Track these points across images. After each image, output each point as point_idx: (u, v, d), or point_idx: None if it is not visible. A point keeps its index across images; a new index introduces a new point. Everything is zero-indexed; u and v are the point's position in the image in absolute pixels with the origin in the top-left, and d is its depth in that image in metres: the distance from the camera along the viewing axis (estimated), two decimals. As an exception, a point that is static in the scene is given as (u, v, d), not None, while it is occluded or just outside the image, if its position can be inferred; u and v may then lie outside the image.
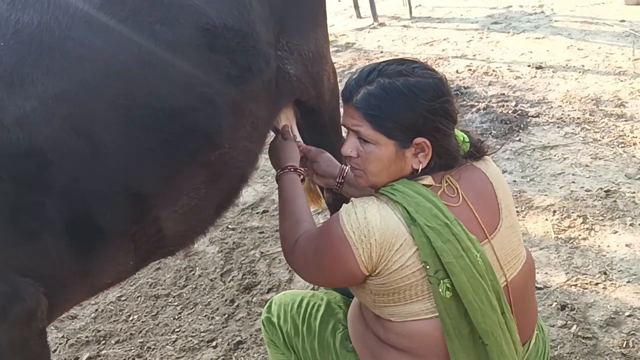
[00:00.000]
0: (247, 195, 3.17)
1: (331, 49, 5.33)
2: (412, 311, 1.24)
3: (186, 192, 1.39)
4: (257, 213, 3.06)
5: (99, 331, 2.39)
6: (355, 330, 1.45)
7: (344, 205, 1.28)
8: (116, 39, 1.25)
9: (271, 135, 1.77)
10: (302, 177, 1.59)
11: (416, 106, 1.21)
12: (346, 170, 1.67)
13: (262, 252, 2.75)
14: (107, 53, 1.24)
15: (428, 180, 1.25)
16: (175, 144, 1.32)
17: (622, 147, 3.21)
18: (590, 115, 3.58)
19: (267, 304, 1.74)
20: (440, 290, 1.20)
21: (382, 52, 5.16)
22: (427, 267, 1.19)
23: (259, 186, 3.26)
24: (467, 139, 1.28)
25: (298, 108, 1.82)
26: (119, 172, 1.26)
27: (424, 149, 1.23)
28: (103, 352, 2.29)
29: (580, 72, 4.16)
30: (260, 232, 2.89)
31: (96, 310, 2.50)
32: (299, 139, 1.82)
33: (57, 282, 1.25)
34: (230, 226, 2.95)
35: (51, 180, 1.18)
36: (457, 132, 1.27)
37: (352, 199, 1.28)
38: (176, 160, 1.34)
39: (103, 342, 2.34)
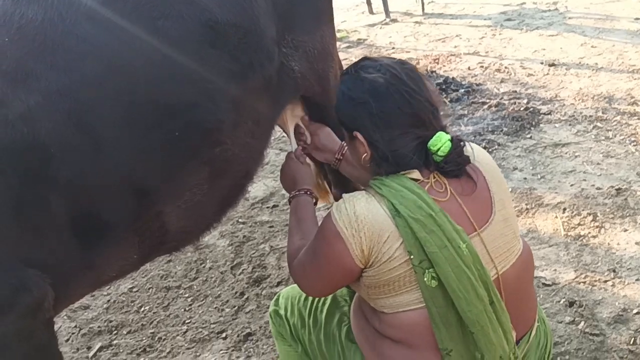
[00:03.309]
0: (257, 189, 3.20)
1: (343, 45, 5.35)
2: (402, 302, 1.27)
3: (189, 188, 1.41)
4: (267, 207, 3.08)
5: (110, 321, 2.43)
6: (356, 323, 1.47)
7: (335, 203, 1.31)
8: (119, 34, 1.26)
9: (276, 131, 1.78)
10: (315, 201, 1.61)
11: (344, 101, 1.33)
12: (345, 148, 1.69)
13: (271, 246, 2.78)
14: (110, 49, 1.25)
15: (415, 174, 1.28)
16: (176, 139, 1.33)
17: (634, 145, 3.20)
18: (602, 113, 3.56)
19: (275, 297, 1.77)
20: (425, 279, 1.22)
21: (393, 48, 5.16)
22: (412, 257, 1.22)
23: (269, 181, 3.29)
24: (444, 150, 1.25)
25: (305, 104, 1.83)
26: (121, 167, 1.28)
27: (361, 141, 1.30)
28: (115, 342, 2.33)
29: (593, 69, 4.14)
30: (270, 226, 2.92)
31: (108, 301, 2.54)
32: (302, 113, 1.82)
33: (62, 275, 1.27)
34: (240, 220, 2.98)
35: (54, 174, 1.19)
36: (439, 137, 1.26)
37: (343, 195, 1.31)
38: (177, 155, 1.36)
39: (115, 332, 2.38)
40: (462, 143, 1.29)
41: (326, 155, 1.73)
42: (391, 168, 1.28)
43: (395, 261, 1.22)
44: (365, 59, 1.37)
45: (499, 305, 1.28)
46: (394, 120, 1.27)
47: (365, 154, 1.32)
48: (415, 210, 1.21)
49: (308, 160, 1.79)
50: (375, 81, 1.28)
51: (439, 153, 1.25)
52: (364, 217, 1.23)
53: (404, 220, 1.21)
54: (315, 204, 1.61)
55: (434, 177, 1.28)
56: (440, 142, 1.25)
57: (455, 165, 1.28)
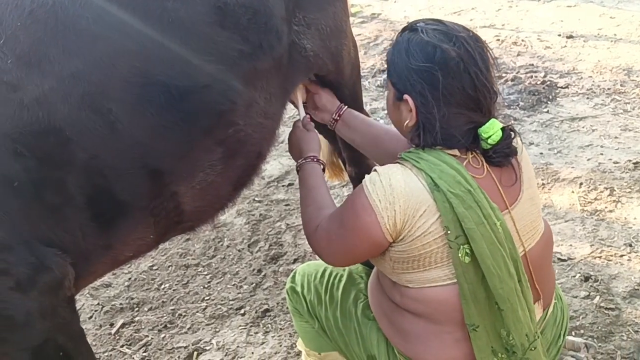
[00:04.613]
0: (273, 168, 3.21)
1: (356, 20, 5.29)
2: (430, 278, 1.27)
3: (202, 169, 1.43)
4: (283, 186, 3.11)
5: (132, 299, 2.49)
6: (373, 297, 1.49)
7: (367, 175, 1.30)
8: (129, 16, 1.27)
9: (288, 109, 1.78)
10: (323, 167, 1.61)
11: (405, 61, 1.26)
12: (344, 109, 1.71)
13: (287, 224, 2.80)
14: (121, 31, 1.26)
15: (454, 150, 1.27)
16: (189, 121, 1.34)
17: (653, 118, 3.16)
18: (621, 85, 3.50)
19: (292, 274, 1.79)
20: (459, 255, 1.23)
21: (408, 22, 5.09)
22: (449, 232, 1.21)
23: (285, 159, 3.30)
24: (494, 139, 1.23)
25: (318, 82, 1.83)
26: (136, 148, 1.30)
27: (410, 107, 1.26)
28: (136, 318, 2.39)
29: (612, 41, 4.06)
30: (286, 205, 2.95)
31: (129, 279, 2.60)
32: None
33: (81, 254, 1.30)
34: (256, 199, 3.01)
35: (71, 157, 1.22)
36: (492, 124, 1.24)
37: (377, 167, 1.30)
38: (191, 137, 1.37)
39: (136, 309, 2.44)
40: (512, 134, 1.28)
41: (323, 115, 1.74)
42: (434, 143, 1.26)
43: (430, 236, 1.23)
44: (438, 21, 1.31)
45: (526, 283, 1.29)
46: (455, 98, 1.23)
47: (409, 121, 1.28)
48: (454, 185, 1.21)
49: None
50: (448, 53, 1.22)
51: (489, 141, 1.23)
52: (400, 190, 1.22)
53: (442, 195, 1.20)
54: (324, 170, 1.61)
55: (472, 154, 1.27)
56: (492, 130, 1.23)
57: (503, 157, 1.26)
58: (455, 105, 1.23)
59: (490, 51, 1.29)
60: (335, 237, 1.34)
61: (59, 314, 1.32)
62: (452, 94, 1.22)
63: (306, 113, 1.79)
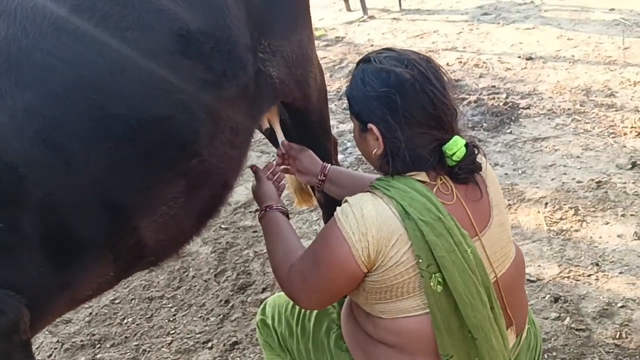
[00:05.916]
0: (239, 194, 3.16)
1: (321, 44, 5.32)
2: (402, 308, 1.25)
3: (165, 202, 1.37)
4: (250, 212, 3.05)
5: (93, 335, 2.39)
6: (347, 328, 1.46)
7: (338, 208, 1.27)
8: (86, 47, 1.22)
9: (256, 136, 1.75)
10: (284, 211, 1.55)
11: (363, 90, 1.27)
12: (327, 168, 1.68)
13: (255, 252, 2.75)
14: (77, 63, 1.22)
15: (422, 176, 1.26)
16: (150, 153, 1.30)
17: (612, 137, 3.23)
18: (580, 105, 3.59)
19: (262, 305, 1.74)
20: (431, 284, 1.20)
21: (372, 45, 5.14)
22: (420, 260, 1.19)
23: (251, 184, 3.25)
24: (459, 155, 1.23)
25: (285, 109, 1.80)
26: (94, 183, 1.25)
27: (376, 135, 1.25)
28: (98, 356, 2.29)
29: (570, 62, 4.17)
30: (253, 231, 2.89)
31: (90, 314, 2.49)
32: (282, 137, 1.81)
33: (37, 295, 1.23)
34: (223, 226, 2.95)
35: (24, 194, 1.16)
36: (455, 141, 1.24)
37: (347, 197, 1.27)
38: (152, 169, 1.32)
39: (98, 345, 2.34)
40: (476, 150, 1.28)
41: (309, 178, 1.71)
42: (404, 167, 1.25)
43: (402, 266, 1.20)
44: (388, 49, 1.32)
45: (498, 310, 1.28)
46: (417, 119, 1.22)
47: (377, 149, 1.27)
48: (424, 212, 1.19)
49: (281, 135, 1.79)
50: (402, 76, 1.22)
51: (454, 158, 1.23)
52: (372, 220, 1.20)
53: (413, 223, 1.18)
54: (287, 216, 1.55)
55: (441, 180, 1.26)
56: (456, 147, 1.23)
57: (468, 172, 1.26)
58: (417, 125, 1.23)
59: (445, 71, 1.30)
60: (310, 276, 1.30)
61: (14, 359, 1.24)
62: (413, 114, 1.22)
63: (283, 168, 1.75)
